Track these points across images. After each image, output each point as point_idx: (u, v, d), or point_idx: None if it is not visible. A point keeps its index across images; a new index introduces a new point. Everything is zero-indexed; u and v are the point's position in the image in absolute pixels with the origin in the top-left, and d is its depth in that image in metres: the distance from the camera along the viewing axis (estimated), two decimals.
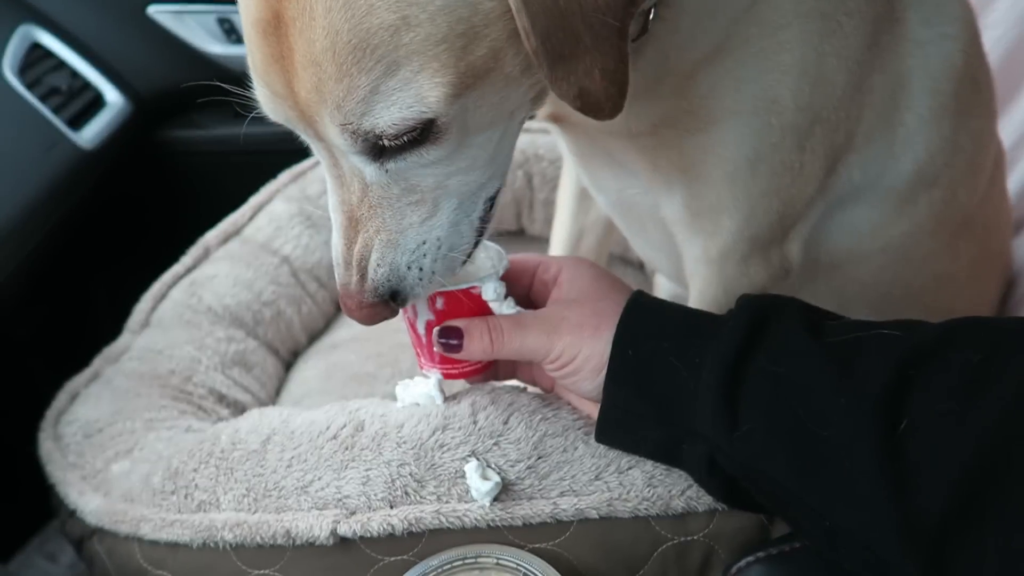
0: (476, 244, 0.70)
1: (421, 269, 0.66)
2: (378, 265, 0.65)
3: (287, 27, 0.56)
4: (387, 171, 0.62)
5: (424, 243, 0.66)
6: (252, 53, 0.60)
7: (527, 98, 0.64)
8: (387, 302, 0.67)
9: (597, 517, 0.71)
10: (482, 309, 0.72)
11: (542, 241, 1.43)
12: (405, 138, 0.59)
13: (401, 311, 0.74)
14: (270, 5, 0.57)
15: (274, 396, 1.15)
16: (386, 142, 0.59)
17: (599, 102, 0.59)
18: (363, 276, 0.66)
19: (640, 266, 1.38)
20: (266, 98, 0.62)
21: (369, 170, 0.62)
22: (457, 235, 0.67)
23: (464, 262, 0.70)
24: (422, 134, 0.59)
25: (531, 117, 0.86)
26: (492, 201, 0.69)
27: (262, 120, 0.66)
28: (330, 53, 0.55)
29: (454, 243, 0.67)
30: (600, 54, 0.56)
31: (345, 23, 0.54)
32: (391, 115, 0.57)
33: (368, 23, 0.54)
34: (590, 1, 0.54)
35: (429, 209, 0.65)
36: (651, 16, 0.67)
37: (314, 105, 0.58)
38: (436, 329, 0.72)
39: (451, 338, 0.71)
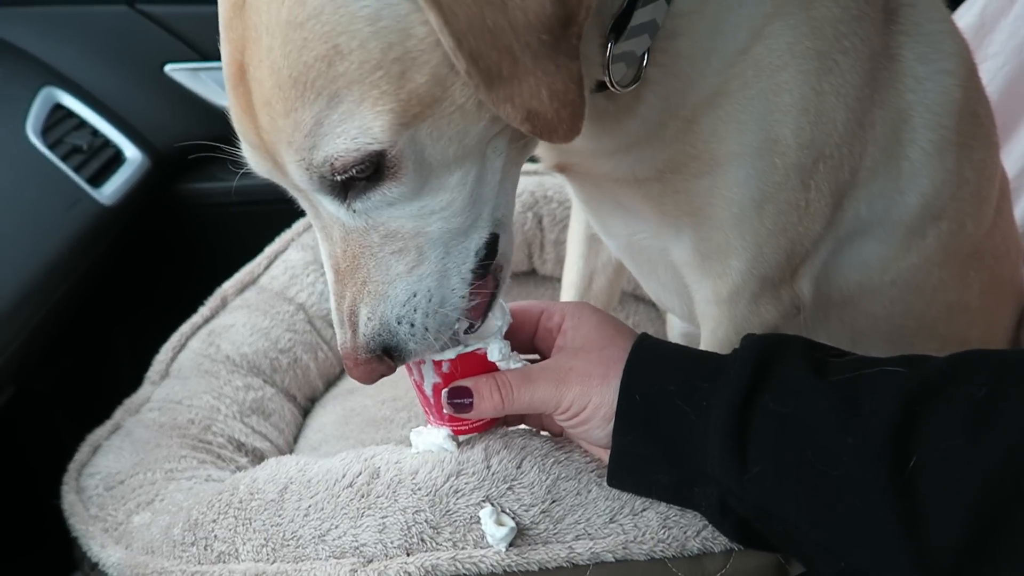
0: (476, 303, 0.68)
1: (412, 325, 0.65)
2: (368, 319, 0.64)
3: (247, 75, 0.58)
4: (355, 211, 0.62)
5: (415, 295, 0.64)
6: (230, 108, 0.62)
7: (490, 134, 0.62)
8: (382, 358, 0.65)
9: (613, 560, 0.71)
10: (487, 368, 0.72)
11: (554, 281, 1.45)
12: (355, 171, 0.58)
13: (406, 372, 0.73)
14: (235, 58, 0.59)
15: (292, 443, 1.16)
16: (339, 176, 0.59)
17: (551, 124, 0.57)
18: (355, 331, 0.65)
19: (652, 303, 1.39)
20: (247, 152, 0.64)
21: (340, 212, 0.62)
22: (447, 288, 0.65)
23: (468, 329, 0.68)
24: (378, 169, 0.59)
25: (534, 160, 0.88)
26: (488, 253, 0.67)
27: None
28: (276, 91, 0.57)
29: (445, 296, 0.65)
30: (545, 74, 0.55)
31: (284, 59, 0.56)
32: (337, 147, 0.57)
33: (304, 57, 0.55)
34: (520, 18, 0.53)
35: (414, 258, 0.64)
36: (644, 63, 0.69)
37: (274, 146, 0.59)
38: (445, 391, 0.72)
39: (461, 398, 0.71)
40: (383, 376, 0.67)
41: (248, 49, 0.57)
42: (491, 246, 0.68)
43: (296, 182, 0.61)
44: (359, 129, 0.56)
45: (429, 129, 0.58)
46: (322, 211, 0.64)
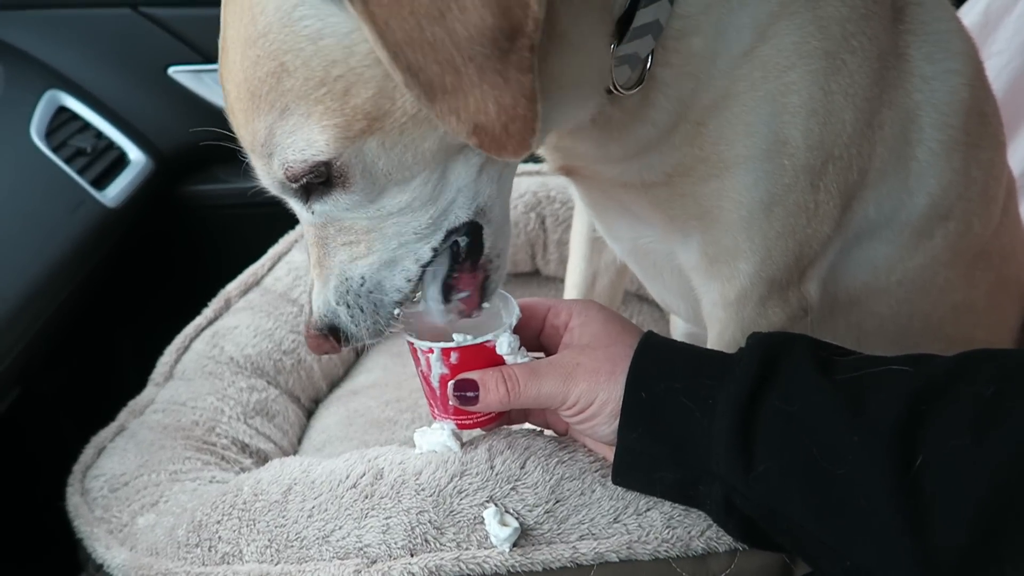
0: (467, 295, 0.71)
1: (348, 307, 0.68)
2: (315, 300, 0.69)
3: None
4: (313, 212, 0.65)
5: (347, 279, 0.68)
6: None
7: (453, 143, 0.62)
8: (327, 336, 0.69)
9: (617, 560, 0.71)
10: (495, 361, 0.72)
11: (557, 281, 1.44)
12: (306, 180, 0.61)
13: (415, 364, 0.74)
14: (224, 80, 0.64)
15: (296, 444, 1.16)
16: (293, 184, 0.62)
17: (499, 140, 0.56)
18: (310, 310, 0.70)
19: (656, 303, 1.38)
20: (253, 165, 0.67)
21: (301, 211, 0.67)
22: (388, 274, 0.68)
23: (399, 303, 0.69)
24: (329, 179, 0.62)
25: (538, 160, 0.88)
26: (472, 245, 0.68)
27: None
28: (238, 102, 0.61)
29: (382, 280, 0.68)
30: (492, 88, 0.54)
31: (241, 74, 0.60)
32: (286, 157, 0.60)
33: (258, 72, 0.58)
34: (461, 31, 0.53)
35: (362, 250, 0.67)
36: (648, 65, 0.68)
37: (248, 153, 0.64)
38: (451, 383, 0.72)
39: (467, 391, 0.71)
40: (328, 353, 0.72)
41: (223, 61, 0.62)
42: (473, 232, 0.69)
43: (263, 184, 0.66)
44: (305, 142, 0.59)
45: (380, 140, 0.60)
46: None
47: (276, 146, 0.60)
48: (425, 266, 0.68)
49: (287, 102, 0.58)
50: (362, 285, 0.68)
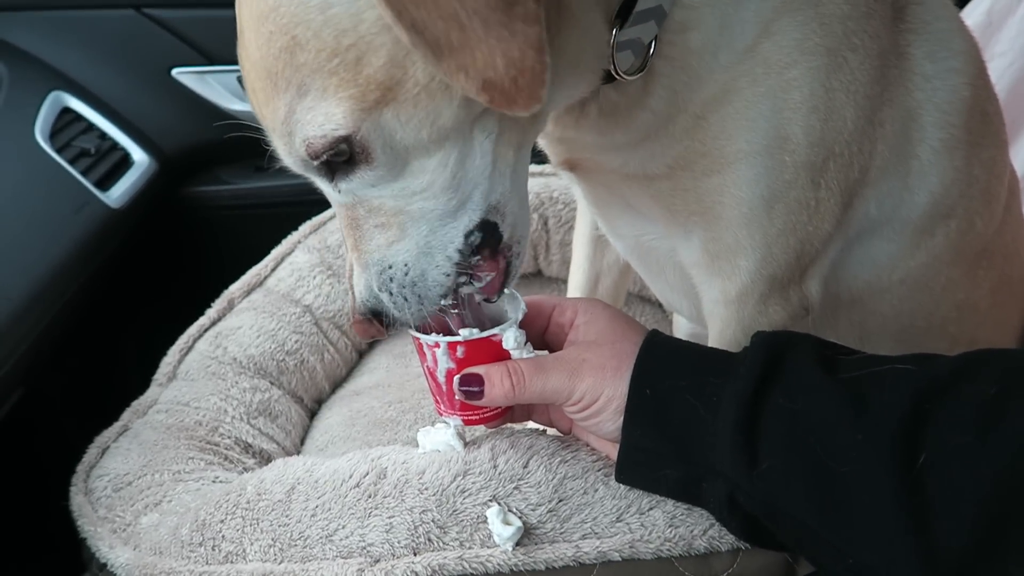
0: (490, 279, 0.69)
1: (391, 294, 0.67)
2: (356, 283, 0.68)
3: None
4: (340, 191, 0.65)
5: (390, 267, 0.67)
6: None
7: (473, 113, 0.61)
8: (371, 320, 0.69)
9: (620, 559, 0.71)
10: (501, 356, 0.73)
11: (559, 282, 1.45)
12: (328, 156, 0.61)
13: (420, 360, 0.74)
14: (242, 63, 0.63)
15: (299, 444, 1.16)
16: (315, 161, 0.62)
17: (509, 94, 0.55)
18: (352, 292, 0.69)
19: (658, 304, 1.39)
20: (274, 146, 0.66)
21: (329, 190, 0.66)
22: (430, 263, 0.67)
23: (444, 296, 0.68)
24: (351, 155, 0.61)
25: (541, 161, 0.88)
26: (487, 237, 0.68)
27: (281, 173, 0.70)
28: (257, 82, 0.61)
29: (426, 270, 0.67)
30: (499, 42, 0.53)
31: (258, 52, 0.59)
32: (307, 133, 0.60)
33: (271, 49, 0.58)
34: None
35: (395, 234, 0.66)
36: (650, 51, 0.68)
37: (269, 133, 0.63)
38: (457, 377, 0.72)
39: (472, 385, 0.71)
40: (375, 337, 0.71)
41: (239, 43, 0.62)
42: (487, 230, 0.68)
43: (287, 165, 0.65)
44: (324, 116, 0.59)
45: (395, 112, 0.59)
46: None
47: (296, 123, 0.60)
48: (458, 264, 0.68)
49: (302, 77, 0.58)
50: (406, 275, 0.67)
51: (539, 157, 0.85)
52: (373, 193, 0.64)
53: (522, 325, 0.74)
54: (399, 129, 0.60)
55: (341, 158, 0.61)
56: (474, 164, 0.64)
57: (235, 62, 0.65)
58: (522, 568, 0.71)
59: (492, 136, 0.64)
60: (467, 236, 0.67)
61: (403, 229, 0.66)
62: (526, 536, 0.72)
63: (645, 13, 0.66)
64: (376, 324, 0.69)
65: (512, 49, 0.54)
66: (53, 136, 1.40)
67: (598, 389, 0.67)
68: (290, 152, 0.63)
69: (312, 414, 1.24)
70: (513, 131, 0.66)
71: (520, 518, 0.72)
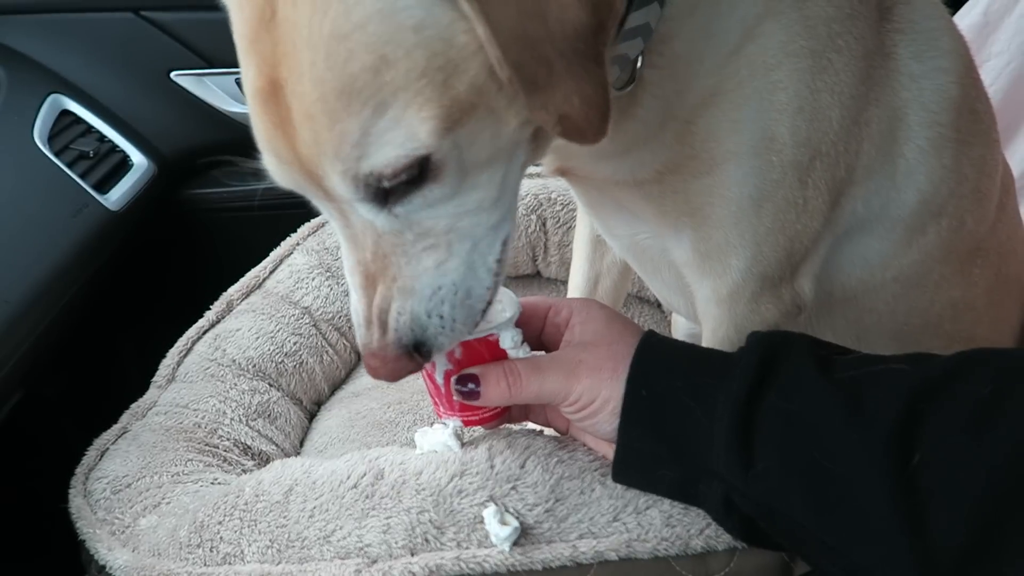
0: (494, 291, 0.69)
1: (442, 317, 0.65)
2: (399, 314, 0.64)
3: (282, 90, 0.58)
4: (396, 216, 0.62)
5: (440, 288, 0.65)
6: (256, 123, 0.61)
7: (521, 137, 0.64)
8: (411, 354, 0.66)
9: (617, 559, 0.71)
10: (498, 356, 0.73)
11: (558, 283, 1.45)
12: (404, 176, 0.59)
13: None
14: (265, 73, 0.59)
15: (298, 446, 1.17)
16: (387, 183, 0.59)
17: (580, 128, 0.59)
18: (384, 329, 0.65)
19: (657, 304, 1.39)
20: (273, 166, 0.63)
21: (378, 218, 0.62)
22: (474, 278, 0.66)
23: (484, 310, 0.68)
24: (421, 173, 0.60)
25: (537, 164, 0.88)
26: (505, 244, 0.69)
27: None
28: (320, 104, 0.57)
29: (472, 287, 0.66)
30: (575, 80, 0.57)
31: (328, 71, 0.56)
32: (386, 155, 0.58)
33: (350, 68, 0.56)
34: (558, 30, 0.55)
35: (443, 253, 0.64)
36: (638, 64, 0.69)
37: (315, 159, 0.59)
38: (454, 377, 0.73)
39: (469, 385, 0.72)
40: (409, 374, 0.67)
41: (284, 65, 0.57)
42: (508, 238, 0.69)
43: (338, 193, 0.61)
44: (406, 135, 0.57)
45: (467, 133, 0.60)
46: (354, 219, 0.63)
47: (370, 145, 0.57)
48: (496, 274, 0.67)
49: (384, 96, 0.56)
50: (455, 293, 0.66)
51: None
52: (428, 214, 0.63)
53: (517, 325, 0.74)
54: (467, 148, 0.60)
55: (411, 178, 0.60)
56: (513, 178, 0.66)
57: (234, 65, 0.62)
58: (519, 568, 0.71)
59: (525, 154, 0.66)
60: (503, 245, 0.67)
61: (450, 248, 0.65)
62: (523, 536, 0.72)
63: (633, 31, 0.66)
64: (417, 358, 0.66)
65: (586, 88, 0.58)
66: (52, 139, 1.40)
67: (595, 390, 0.68)
68: (353, 176, 0.59)
69: (311, 416, 1.24)
70: (535, 150, 0.68)
71: (517, 518, 0.72)
